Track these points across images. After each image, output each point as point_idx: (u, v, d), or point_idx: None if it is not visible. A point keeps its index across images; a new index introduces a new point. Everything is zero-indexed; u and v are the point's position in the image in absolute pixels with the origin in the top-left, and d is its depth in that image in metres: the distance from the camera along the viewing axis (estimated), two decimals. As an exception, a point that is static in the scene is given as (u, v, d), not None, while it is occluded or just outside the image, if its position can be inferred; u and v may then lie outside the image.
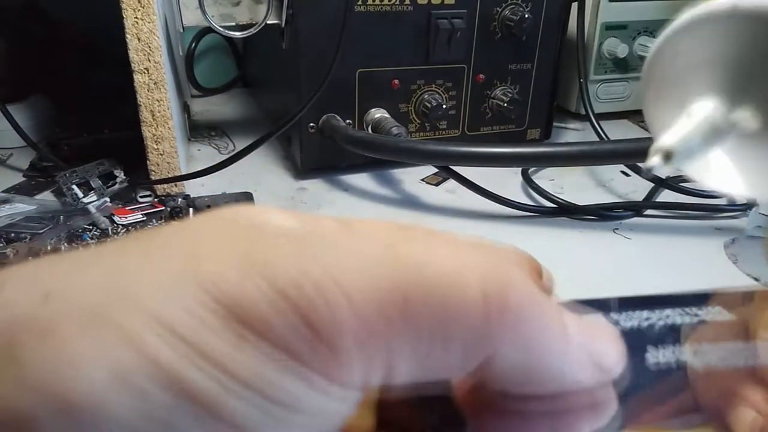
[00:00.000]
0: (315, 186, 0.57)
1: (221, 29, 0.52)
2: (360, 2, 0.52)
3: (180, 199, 0.52)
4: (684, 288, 0.39)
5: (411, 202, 0.54)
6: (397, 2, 0.53)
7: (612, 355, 0.14)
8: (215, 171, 0.50)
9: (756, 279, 0.42)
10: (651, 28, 0.69)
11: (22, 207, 0.50)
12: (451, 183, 0.56)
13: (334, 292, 0.11)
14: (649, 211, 0.52)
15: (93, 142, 0.63)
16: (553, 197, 0.52)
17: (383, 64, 0.55)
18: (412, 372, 0.12)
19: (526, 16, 0.56)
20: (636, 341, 0.15)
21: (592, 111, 0.64)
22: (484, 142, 0.59)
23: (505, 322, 0.12)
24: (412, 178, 0.58)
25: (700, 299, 0.17)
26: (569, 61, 0.66)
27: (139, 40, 0.46)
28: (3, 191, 0.55)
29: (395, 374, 0.12)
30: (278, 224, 0.13)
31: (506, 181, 0.56)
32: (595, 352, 0.13)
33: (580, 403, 0.14)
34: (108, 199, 0.51)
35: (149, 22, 0.46)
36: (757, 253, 0.46)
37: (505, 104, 0.60)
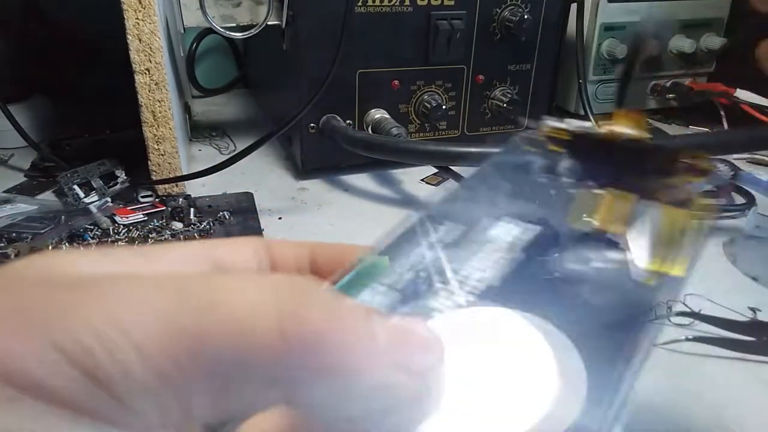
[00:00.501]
0: (315, 186, 0.57)
1: (222, 30, 0.53)
2: (360, 3, 0.52)
3: (181, 199, 0.52)
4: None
5: (411, 202, 0.54)
6: (397, 3, 0.54)
7: (426, 359, 0.13)
8: (216, 171, 0.51)
9: (754, 279, 0.43)
10: (650, 29, 0.69)
11: (23, 207, 0.51)
12: (451, 183, 0.56)
13: (118, 342, 0.11)
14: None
15: (94, 142, 0.63)
16: (552, 197, 0.52)
17: (383, 64, 0.55)
18: (214, 413, 0.12)
19: (526, 17, 0.57)
20: None
21: (591, 111, 0.65)
22: (484, 143, 0.59)
23: (306, 358, 0.12)
24: (412, 178, 0.58)
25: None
26: (568, 61, 0.67)
27: (140, 40, 0.47)
28: (4, 191, 0.55)
29: (196, 416, 0.12)
30: (71, 272, 0.13)
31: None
32: (409, 362, 0.13)
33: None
34: (109, 199, 0.51)
35: (150, 23, 0.46)
36: (756, 253, 0.46)
37: (505, 105, 0.60)
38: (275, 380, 0.12)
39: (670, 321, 0.37)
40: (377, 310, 0.14)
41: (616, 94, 0.20)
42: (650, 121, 0.74)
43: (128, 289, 0.12)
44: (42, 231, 0.47)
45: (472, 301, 0.16)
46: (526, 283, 0.17)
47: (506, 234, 0.19)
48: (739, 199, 0.53)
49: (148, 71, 0.48)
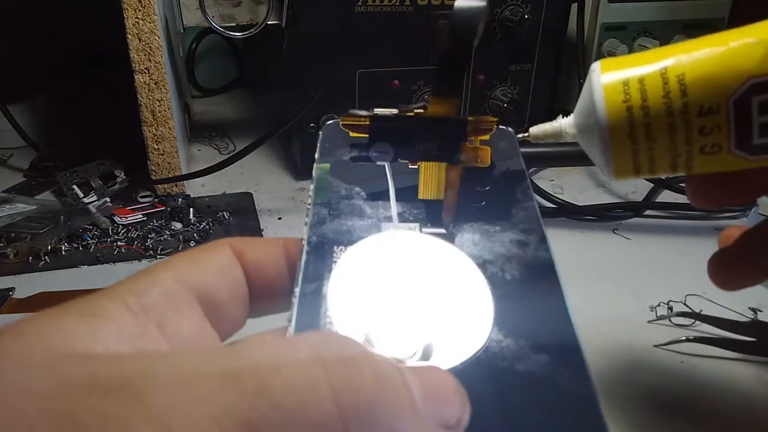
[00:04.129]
0: (315, 186, 0.57)
1: (222, 30, 0.52)
2: (360, 3, 0.52)
3: (180, 199, 0.52)
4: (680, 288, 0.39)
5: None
6: (398, 3, 0.53)
7: (457, 411, 0.14)
8: (215, 171, 0.51)
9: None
10: (650, 29, 0.69)
11: (22, 207, 0.50)
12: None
13: None
14: (648, 212, 0.52)
15: (93, 141, 0.63)
16: (552, 197, 0.52)
17: (383, 64, 0.55)
18: None
19: (526, 16, 0.57)
20: None
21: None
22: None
23: (362, 427, 0.12)
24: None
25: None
26: (569, 61, 0.66)
27: (139, 40, 0.46)
28: (3, 191, 0.55)
29: None
30: (87, 351, 0.13)
31: (506, 182, 0.56)
32: (443, 417, 0.14)
33: None
34: (108, 199, 0.51)
35: (150, 23, 0.46)
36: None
37: (505, 105, 0.60)
38: None
39: (671, 321, 0.37)
40: (400, 361, 0.14)
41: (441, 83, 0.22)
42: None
43: (171, 389, 0.11)
44: (41, 231, 0.47)
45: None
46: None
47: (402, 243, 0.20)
48: (740, 200, 0.53)
49: (148, 70, 0.48)
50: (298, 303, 0.17)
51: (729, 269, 0.27)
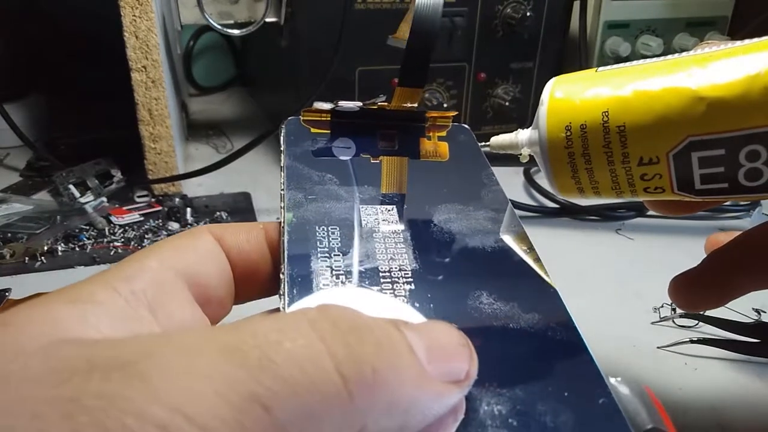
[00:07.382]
0: (314, 185, 0.56)
1: (219, 27, 0.52)
2: (360, 0, 0.52)
3: (177, 199, 0.52)
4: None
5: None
6: (398, 0, 0.53)
7: (464, 365, 0.14)
8: (213, 170, 0.50)
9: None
10: (653, 27, 0.68)
11: (18, 207, 0.50)
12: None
13: (186, 428, 0.10)
14: (651, 212, 0.51)
15: (90, 141, 0.63)
16: (555, 197, 0.51)
17: (383, 62, 0.55)
18: None
19: (528, 14, 0.56)
20: None
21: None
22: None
23: (370, 397, 0.12)
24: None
25: None
26: (571, 59, 0.66)
27: (136, 38, 0.46)
28: (0, 191, 0.54)
29: None
30: (82, 335, 0.12)
31: (508, 181, 0.55)
32: (451, 374, 0.14)
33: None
34: (105, 199, 0.51)
35: (147, 20, 0.46)
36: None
37: (507, 103, 0.60)
38: (346, 423, 0.12)
39: (674, 323, 0.37)
40: (401, 321, 0.14)
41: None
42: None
43: (174, 367, 0.11)
44: (37, 231, 0.46)
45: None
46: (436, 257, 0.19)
47: (376, 221, 0.20)
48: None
49: (145, 69, 0.47)
50: (288, 279, 0.17)
51: (696, 291, 0.27)
